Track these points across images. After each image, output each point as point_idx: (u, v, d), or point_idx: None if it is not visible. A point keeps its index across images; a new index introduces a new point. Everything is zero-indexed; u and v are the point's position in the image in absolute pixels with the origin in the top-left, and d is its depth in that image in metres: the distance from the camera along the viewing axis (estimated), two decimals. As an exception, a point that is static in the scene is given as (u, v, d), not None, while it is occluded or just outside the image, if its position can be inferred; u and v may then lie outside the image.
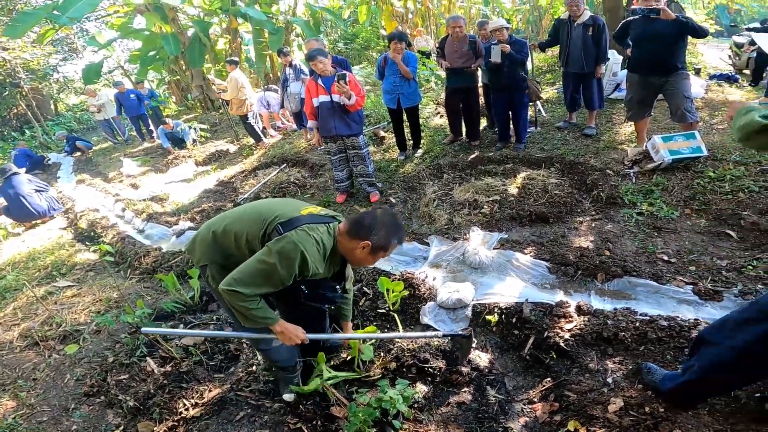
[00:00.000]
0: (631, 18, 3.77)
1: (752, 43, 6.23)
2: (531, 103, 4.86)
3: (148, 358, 2.54)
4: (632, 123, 4.16)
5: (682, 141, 3.56)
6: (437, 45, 4.89)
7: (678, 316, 2.21)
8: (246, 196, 4.85)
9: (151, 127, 9.55)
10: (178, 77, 12.49)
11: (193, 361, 2.47)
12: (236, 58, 7.17)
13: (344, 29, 15.46)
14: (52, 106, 15.92)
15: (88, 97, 10.22)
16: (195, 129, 8.10)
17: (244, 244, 1.71)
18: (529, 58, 4.76)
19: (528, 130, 4.84)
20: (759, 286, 2.33)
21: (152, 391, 2.26)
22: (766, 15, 5.50)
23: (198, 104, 11.95)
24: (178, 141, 8.01)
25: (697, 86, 5.48)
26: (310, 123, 3.98)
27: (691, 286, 2.40)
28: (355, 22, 16.41)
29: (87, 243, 4.86)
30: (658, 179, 3.42)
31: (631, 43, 3.85)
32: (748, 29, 6.03)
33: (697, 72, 6.82)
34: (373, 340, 2.24)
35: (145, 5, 10.32)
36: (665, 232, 2.91)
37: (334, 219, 1.80)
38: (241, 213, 1.82)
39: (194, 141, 7.98)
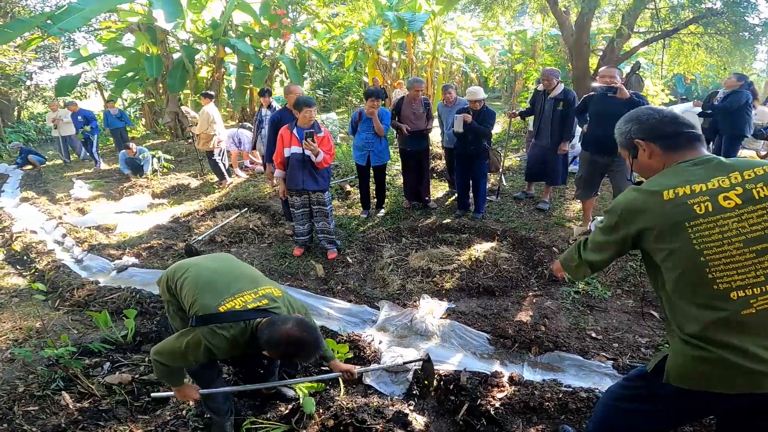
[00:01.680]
0: (592, 94, 4.22)
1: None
2: (494, 173, 5.50)
3: (63, 392, 2.64)
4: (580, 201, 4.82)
5: (620, 225, 4.23)
6: (392, 107, 5.40)
7: (597, 389, 2.66)
8: (200, 238, 5.05)
9: (95, 154, 9.98)
10: (153, 100, 12.91)
11: (116, 400, 2.61)
12: (212, 92, 7.65)
13: (329, 72, 16.56)
14: (15, 113, 15.85)
15: (49, 110, 10.54)
16: (159, 158, 8.33)
17: (182, 300, 2.17)
18: (507, 125, 5.36)
19: (488, 199, 5.48)
20: (671, 364, 2.85)
21: (63, 425, 2.39)
22: (718, 86, 6.62)
23: (168, 131, 12.33)
24: (138, 168, 8.20)
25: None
26: (278, 172, 4.22)
27: (612, 362, 2.89)
28: (340, 66, 17.72)
29: (18, 266, 4.90)
30: (596, 260, 4.03)
31: (576, 110, 4.37)
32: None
33: None
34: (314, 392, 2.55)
35: (138, 24, 10.97)
36: (597, 310, 3.45)
37: (266, 312, 1.99)
38: (194, 278, 2.16)
39: (155, 171, 8.19)
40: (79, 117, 9.79)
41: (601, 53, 8.60)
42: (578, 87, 8.11)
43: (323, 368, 2.90)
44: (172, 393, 2.22)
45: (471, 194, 5.24)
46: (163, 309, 2.96)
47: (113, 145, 11.45)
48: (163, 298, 2.42)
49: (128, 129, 11.20)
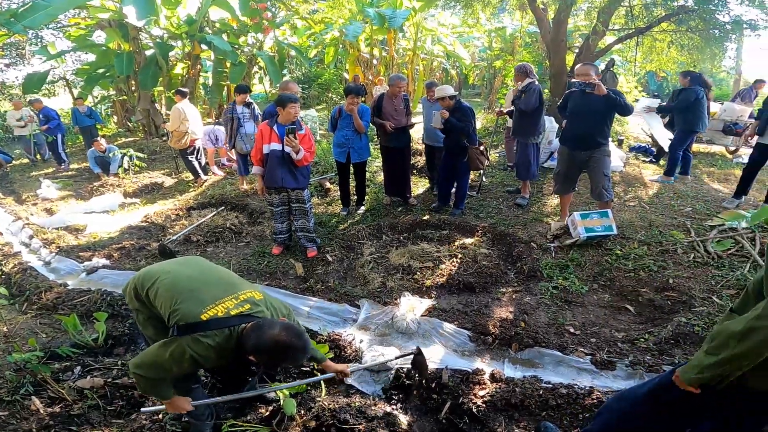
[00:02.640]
0: (572, 90, 4.28)
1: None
2: (475, 171, 5.52)
3: (33, 397, 2.57)
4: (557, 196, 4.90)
5: (596, 219, 4.31)
6: (373, 104, 5.38)
7: (576, 384, 2.70)
8: (174, 238, 4.92)
9: (60, 153, 9.58)
10: (125, 97, 12.54)
11: (88, 404, 2.55)
12: (185, 89, 7.45)
13: (308, 68, 16.36)
14: None
15: (12, 108, 10.04)
16: (131, 157, 8.07)
17: (158, 309, 2.08)
18: (492, 122, 5.38)
19: (469, 194, 5.51)
20: (647, 357, 2.90)
21: (34, 430, 2.33)
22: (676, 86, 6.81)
23: (140, 128, 11.99)
24: (108, 166, 7.95)
25: (617, 159, 6.54)
26: (256, 169, 4.14)
27: (590, 357, 2.94)
28: (320, 62, 17.54)
29: None
30: (573, 255, 4.10)
31: (562, 108, 4.42)
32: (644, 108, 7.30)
33: (620, 143, 8.04)
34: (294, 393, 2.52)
35: (109, 21, 10.60)
36: (574, 305, 3.50)
37: (249, 317, 1.96)
38: (170, 285, 2.06)
39: (126, 170, 7.95)
40: (41, 116, 9.44)
41: (577, 50, 8.73)
42: (556, 84, 8.22)
43: (304, 369, 2.87)
44: (162, 407, 2.14)
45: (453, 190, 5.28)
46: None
47: (83, 143, 11.10)
48: (130, 307, 2.30)
49: (98, 126, 10.85)
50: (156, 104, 11.86)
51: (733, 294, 3.39)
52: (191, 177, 7.45)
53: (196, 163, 7.22)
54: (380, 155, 5.84)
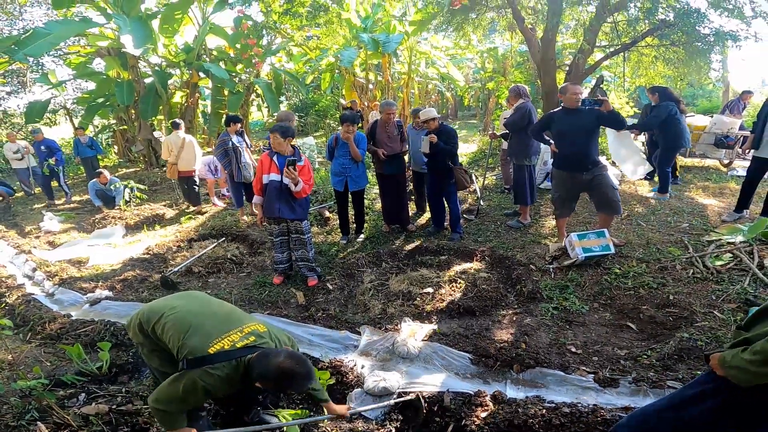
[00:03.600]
0: (553, 112, 4.31)
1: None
2: (462, 191, 5.63)
3: (39, 422, 2.62)
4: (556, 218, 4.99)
5: (594, 239, 4.40)
6: (367, 132, 5.48)
7: (579, 403, 2.74)
8: (176, 269, 5.02)
9: (64, 186, 9.62)
10: (125, 126, 12.78)
11: (93, 430, 2.59)
12: (178, 121, 7.73)
13: (305, 95, 16.75)
14: None
15: (5, 141, 10.15)
16: (131, 188, 8.21)
17: (165, 343, 2.21)
18: (486, 145, 5.53)
19: (467, 218, 5.62)
20: (650, 373, 2.95)
21: None
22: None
23: (141, 159, 12.20)
24: (109, 199, 8.10)
25: (612, 177, 6.66)
26: (256, 199, 4.26)
27: (593, 375, 2.99)
28: (316, 88, 17.93)
29: None
30: (572, 275, 4.18)
31: (551, 138, 4.42)
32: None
33: (614, 162, 8.16)
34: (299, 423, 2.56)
35: (108, 49, 10.89)
36: (575, 324, 3.56)
37: (254, 348, 2.08)
38: (177, 321, 2.19)
39: (128, 201, 8.09)
40: (42, 147, 9.35)
41: (567, 68, 8.98)
42: (547, 102, 8.40)
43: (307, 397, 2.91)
44: None
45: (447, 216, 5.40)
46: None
47: (84, 174, 11.26)
48: (134, 341, 2.46)
49: (99, 157, 11.04)
50: (156, 132, 12.08)
51: (734, 308, 3.45)
52: (192, 208, 7.63)
53: (193, 190, 7.52)
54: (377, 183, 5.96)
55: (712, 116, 8.33)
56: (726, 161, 7.88)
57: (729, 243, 4.36)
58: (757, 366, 1.58)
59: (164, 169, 10.68)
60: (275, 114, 17.16)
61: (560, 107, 4.38)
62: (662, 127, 6.02)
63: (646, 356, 3.13)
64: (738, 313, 3.38)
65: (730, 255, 4.15)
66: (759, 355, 1.57)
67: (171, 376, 2.08)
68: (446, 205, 5.35)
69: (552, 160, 4.79)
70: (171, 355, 2.19)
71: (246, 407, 2.62)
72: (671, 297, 3.68)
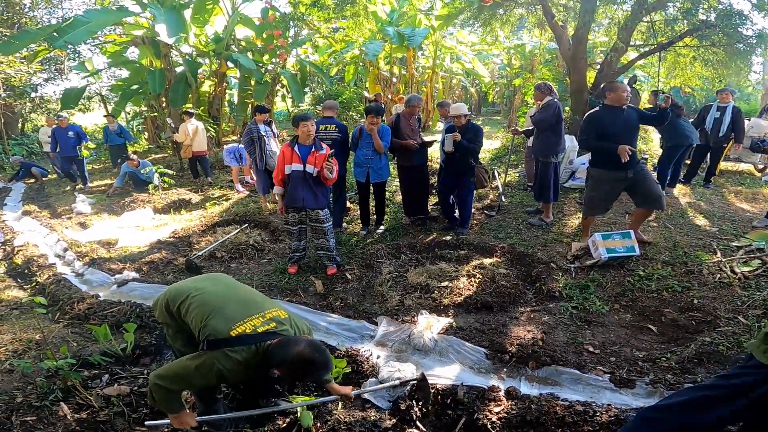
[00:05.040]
0: (594, 112, 4.24)
1: None
2: (492, 188, 5.65)
3: (62, 402, 2.71)
4: (581, 216, 4.89)
5: (618, 240, 4.35)
6: (390, 125, 5.48)
7: (593, 402, 2.74)
8: (200, 254, 5.15)
9: (86, 173, 9.70)
10: (156, 114, 13.16)
11: (114, 411, 2.68)
12: (192, 111, 8.45)
13: (329, 86, 16.93)
14: (19, 126, 16.08)
15: (46, 125, 10.55)
16: (160, 174, 8.48)
17: (188, 324, 2.24)
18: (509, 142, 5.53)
19: (489, 214, 5.61)
20: (668, 375, 2.92)
21: None
22: (713, 98, 6.72)
23: (170, 145, 12.55)
24: (141, 182, 8.41)
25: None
26: (277, 189, 4.33)
27: (609, 375, 2.97)
28: (340, 80, 18.06)
29: (19, 279, 5.02)
30: (594, 275, 4.14)
31: (593, 137, 4.21)
32: None
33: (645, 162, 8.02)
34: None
35: (142, 38, 11.23)
36: (594, 325, 3.54)
37: (275, 334, 2.12)
38: (201, 302, 2.23)
39: (156, 186, 8.37)
40: (70, 133, 9.23)
41: (598, 67, 8.82)
42: (576, 101, 8.29)
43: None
44: (167, 421, 2.26)
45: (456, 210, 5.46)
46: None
47: (110, 162, 11.63)
48: (160, 321, 2.50)
49: (129, 145, 11.37)
50: (168, 119, 12.36)
51: (759, 314, 3.38)
52: (216, 194, 7.94)
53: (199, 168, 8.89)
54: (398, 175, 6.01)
55: (749, 119, 8.06)
56: (761, 166, 7.63)
57: (758, 249, 4.24)
58: None
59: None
60: (300, 105, 17.40)
61: (598, 106, 4.31)
62: (663, 129, 6.15)
63: (665, 358, 3.09)
64: (763, 319, 3.31)
65: (759, 261, 4.04)
66: None
67: (186, 356, 2.11)
68: (455, 202, 5.42)
69: (589, 159, 4.66)
70: (194, 336, 2.23)
71: (261, 394, 2.69)
72: (695, 301, 3.62)
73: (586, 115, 4.40)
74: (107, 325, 3.47)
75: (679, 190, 6.69)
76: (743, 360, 1.90)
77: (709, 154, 6.94)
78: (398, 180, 6.69)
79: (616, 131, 4.11)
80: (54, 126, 9.39)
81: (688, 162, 7.03)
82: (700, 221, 5.31)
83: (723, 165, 8.01)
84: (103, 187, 9.49)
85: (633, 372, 2.98)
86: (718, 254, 4.30)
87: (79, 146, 9.33)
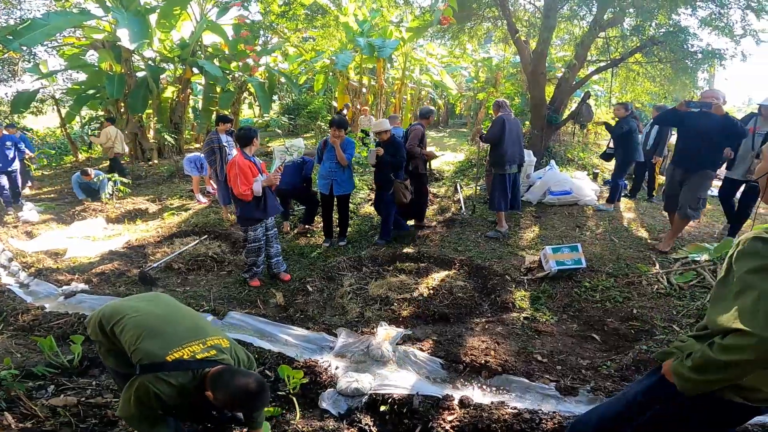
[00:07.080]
0: (683, 111, 4.69)
1: None
2: (454, 201, 5.87)
3: (5, 412, 2.66)
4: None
5: (567, 253, 4.61)
6: (418, 138, 5.85)
7: (540, 410, 2.92)
8: (155, 265, 5.06)
9: (19, 188, 8.27)
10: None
11: (60, 421, 2.65)
12: (114, 116, 8.76)
13: (297, 95, 16.90)
14: None
15: None
16: (114, 182, 8.09)
17: (122, 344, 2.18)
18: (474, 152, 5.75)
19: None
20: (608, 383, 3.14)
21: None
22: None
23: (128, 153, 12.21)
24: (93, 192, 8.14)
25: (590, 192, 6.96)
26: (257, 184, 4.26)
27: (555, 383, 3.17)
28: (309, 89, 18.06)
29: None
30: (545, 287, 4.38)
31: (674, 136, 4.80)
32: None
33: (595, 176, 8.41)
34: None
35: (102, 41, 10.93)
36: (544, 334, 3.75)
37: (214, 362, 2.08)
38: (139, 323, 2.17)
39: (110, 195, 8.10)
40: (7, 143, 7.81)
41: (557, 82, 9.22)
42: (535, 115, 8.64)
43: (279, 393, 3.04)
44: None
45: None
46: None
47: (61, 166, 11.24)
48: (92, 338, 2.43)
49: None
50: (143, 129, 12.11)
51: (692, 322, 3.67)
52: (175, 204, 7.78)
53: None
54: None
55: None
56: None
57: (694, 261, 4.59)
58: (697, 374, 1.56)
59: (149, 162, 11.07)
60: (265, 114, 17.28)
61: (695, 109, 4.65)
62: (620, 141, 6.49)
63: (605, 366, 3.32)
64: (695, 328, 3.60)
65: (694, 273, 4.38)
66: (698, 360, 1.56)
67: (125, 386, 2.08)
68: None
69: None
70: (128, 357, 2.15)
71: (199, 421, 2.66)
72: (635, 311, 3.89)
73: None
74: (53, 337, 3.40)
75: (625, 204, 7.10)
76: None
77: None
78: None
79: (699, 131, 4.65)
80: None
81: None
82: (642, 234, 5.67)
83: (661, 179, 8.53)
84: (52, 195, 9.15)
85: (576, 380, 3.18)
86: (657, 266, 4.63)
87: (22, 158, 8.45)
